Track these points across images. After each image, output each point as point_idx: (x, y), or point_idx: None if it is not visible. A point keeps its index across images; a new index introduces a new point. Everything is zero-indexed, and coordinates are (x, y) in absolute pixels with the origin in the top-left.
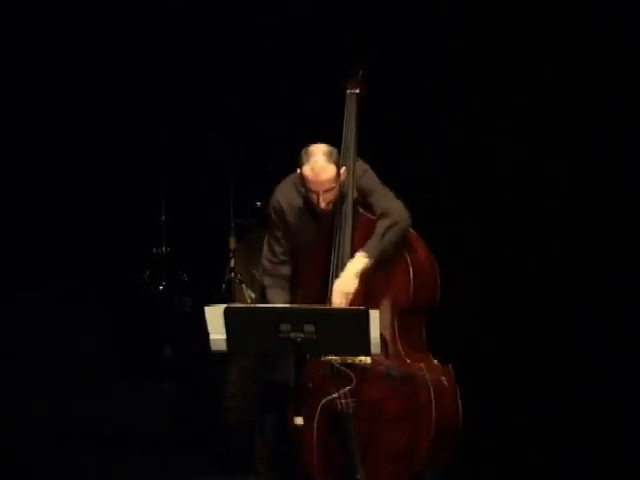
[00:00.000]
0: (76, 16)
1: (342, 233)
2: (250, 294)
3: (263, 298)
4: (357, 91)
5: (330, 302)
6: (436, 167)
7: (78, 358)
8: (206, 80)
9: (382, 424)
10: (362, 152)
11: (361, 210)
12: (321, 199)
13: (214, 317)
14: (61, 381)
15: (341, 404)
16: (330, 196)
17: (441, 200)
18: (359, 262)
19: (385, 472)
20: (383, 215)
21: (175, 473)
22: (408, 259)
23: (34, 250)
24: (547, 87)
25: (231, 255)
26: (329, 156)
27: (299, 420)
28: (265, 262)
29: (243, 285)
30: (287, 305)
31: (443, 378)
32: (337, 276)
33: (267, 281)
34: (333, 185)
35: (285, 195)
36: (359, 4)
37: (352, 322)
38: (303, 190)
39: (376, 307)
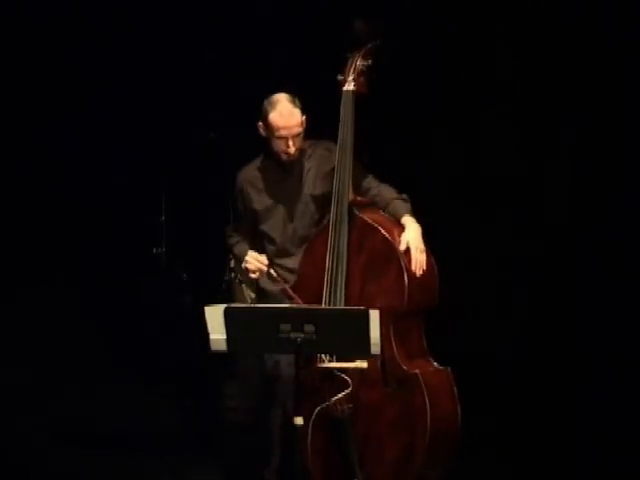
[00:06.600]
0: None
1: (338, 233)
2: (250, 294)
3: (237, 263)
4: (353, 88)
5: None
6: (436, 166)
7: (77, 358)
8: (206, 80)
9: (378, 429)
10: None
11: (356, 212)
12: (291, 143)
13: (214, 317)
14: (60, 381)
15: (337, 409)
16: (298, 142)
17: (443, 199)
18: (414, 222)
19: (383, 477)
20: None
21: (175, 473)
22: (402, 263)
23: (33, 249)
24: (547, 85)
25: (231, 255)
26: (293, 102)
27: (299, 420)
28: (228, 237)
29: (243, 285)
30: (287, 305)
31: (439, 382)
32: (330, 282)
33: (233, 240)
34: (300, 129)
35: (246, 172)
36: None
37: (352, 322)
38: (263, 161)
39: None
